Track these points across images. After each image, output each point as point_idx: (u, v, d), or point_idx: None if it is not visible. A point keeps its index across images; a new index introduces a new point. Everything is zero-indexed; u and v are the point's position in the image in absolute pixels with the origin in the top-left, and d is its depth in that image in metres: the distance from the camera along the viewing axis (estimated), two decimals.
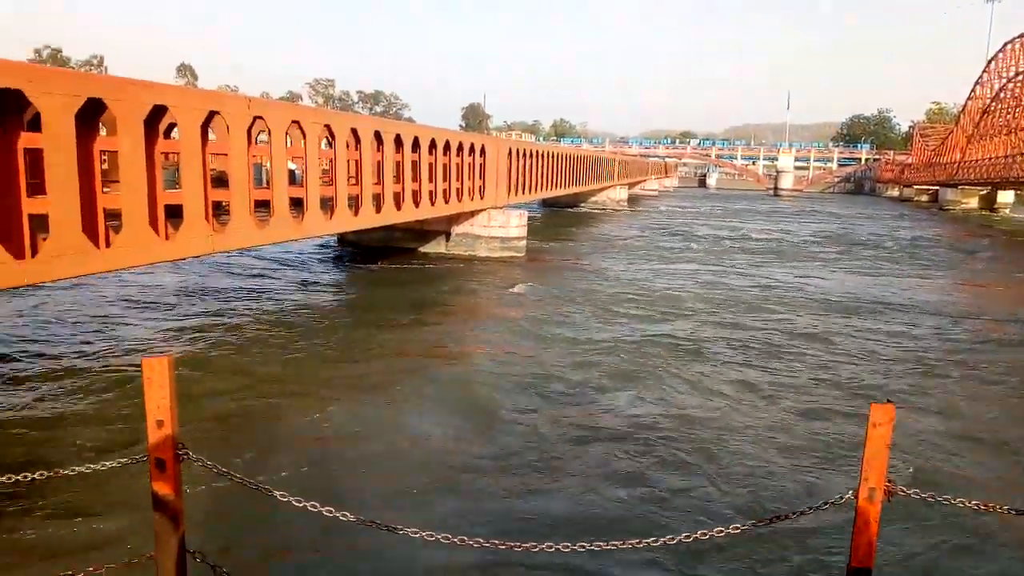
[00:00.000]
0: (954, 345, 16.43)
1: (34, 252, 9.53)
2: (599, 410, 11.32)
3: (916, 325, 18.57)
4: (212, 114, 12.49)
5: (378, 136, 19.36)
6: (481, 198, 28.08)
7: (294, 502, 4.80)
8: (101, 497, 7.71)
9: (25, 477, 4.87)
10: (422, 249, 28.76)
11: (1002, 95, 76.49)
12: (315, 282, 22.13)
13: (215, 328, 15.67)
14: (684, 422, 10.84)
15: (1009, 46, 78.00)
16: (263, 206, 14.94)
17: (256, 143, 16.01)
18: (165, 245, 11.77)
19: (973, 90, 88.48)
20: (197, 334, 15.12)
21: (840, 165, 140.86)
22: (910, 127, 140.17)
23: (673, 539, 4.70)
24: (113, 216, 11.16)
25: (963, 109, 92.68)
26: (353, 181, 18.70)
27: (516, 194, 32.39)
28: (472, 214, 28.36)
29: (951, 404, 12.16)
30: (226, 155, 13.49)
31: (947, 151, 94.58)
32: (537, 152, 37.01)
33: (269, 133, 14.41)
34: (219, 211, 14.23)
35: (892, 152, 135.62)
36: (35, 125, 9.67)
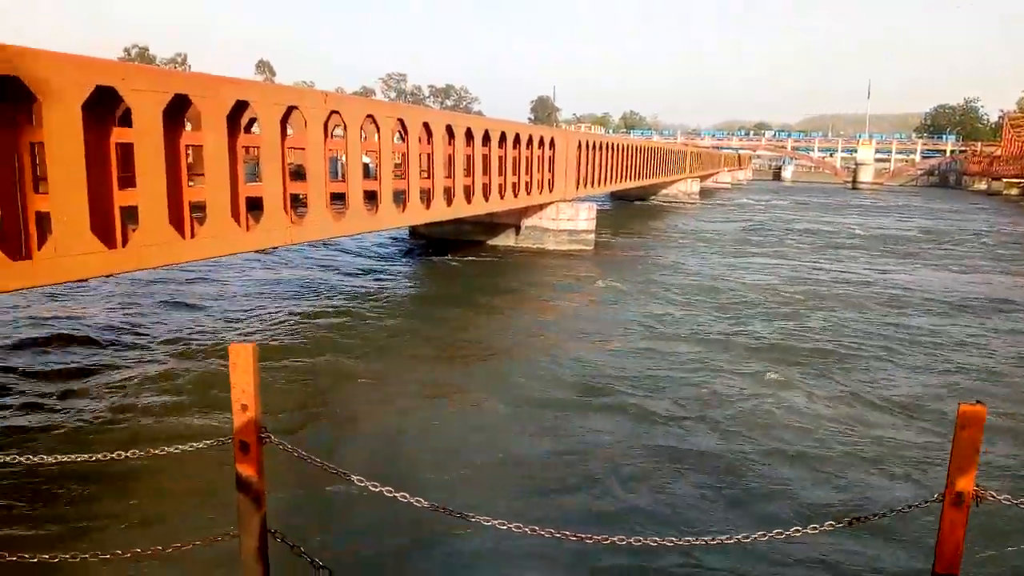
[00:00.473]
0: None
1: (124, 242, 9.98)
2: (681, 412, 11.10)
3: None
4: (291, 109, 12.83)
5: (449, 130, 19.55)
6: (550, 191, 28.05)
7: (371, 487, 4.91)
8: (189, 477, 8.06)
9: (119, 456, 5.12)
10: (491, 242, 28.93)
11: None
12: (388, 273, 22.54)
13: (293, 317, 16.14)
14: (784, 421, 10.63)
15: None
16: (338, 199, 15.31)
17: (332, 137, 16.37)
18: (246, 236, 12.16)
19: None
20: (276, 323, 15.61)
21: (923, 157, 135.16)
22: (1000, 117, 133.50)
23: (749, 537, 4.63)
24: (197, 208, 11.61)
25: None
26: (425, 174, 18.95)
27: (585, 187, 32.24)
28: (541, 207, 28.36)
29: None
30: (303, 149, 13.84)
31: None
32: (606, 144, 36.72)
33: (344, 127, 14.72)
34: (296, 203, 14.61)
35: (979, 144, 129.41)
36: (125, 121, 10.13)
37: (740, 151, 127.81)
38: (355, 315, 16.63)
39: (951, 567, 4.43)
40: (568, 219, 28.82)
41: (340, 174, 18.87)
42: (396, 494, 4.84)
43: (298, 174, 14.60)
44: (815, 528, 4.67)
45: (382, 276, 21.99)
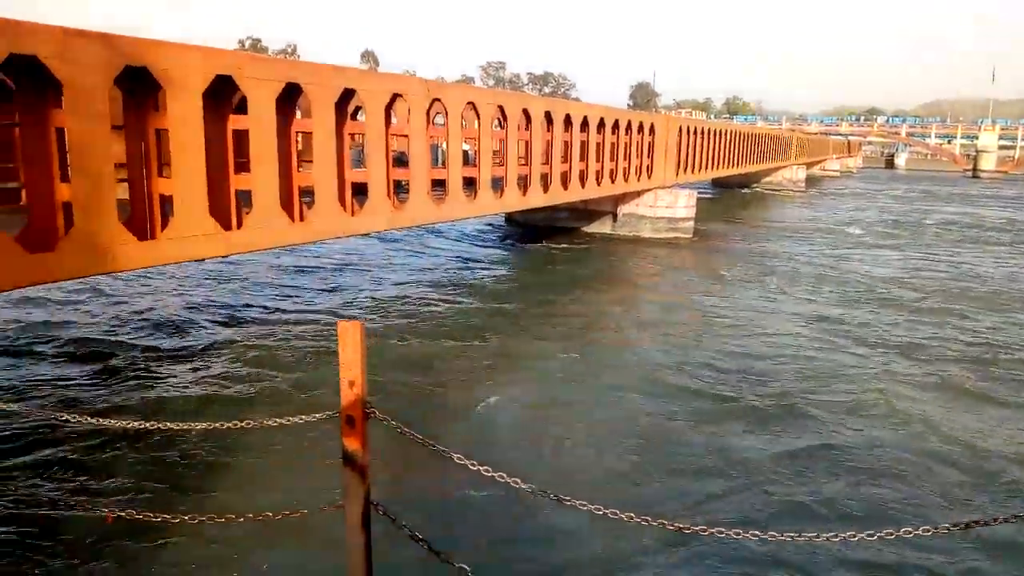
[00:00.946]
0: None
1: (239, 225, 10.49)
2: (791, 415, 10.72)
3: None
4: (395, 96, 13.13)
5: (548, 116, 19.54)
6: (648, 178, 27.63)
7: (469, 465, 4.99)
8: (299, 447, 8.46)
9: (235, 425, 5.41)
10: (586, 229, 28.77)
11: None
12: (484, 259, 22.81)
13: (395, 299, 16.61)
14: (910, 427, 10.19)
15: None
16: (438, 185, 15.60)
17: (433, 124, 16.67)
18: (351, 220, 12.56)
19: None
20: (380, 304, 16.11)
21: None
22: None
23: (873, 535, 4.46)
24: (306, 193, 12.07)
25: None
26: (522, 161, 19.03)
27: (684, 173, 31.58)
28: (638, 194, 27.99)
29: None
30: (406, 136, 14.16)
31: None
32: (707, 130, 35.82)
33: (446, 114, 14.95)
34: (398, 189, 14.98)
35: None
36: (240, 109, 10.63)
37: (850, 137, 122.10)
38: (454, 299, 16.94)
39: None
40: (666, 206, 28.32)
41: (440, 161, 19.20)
42: (495, 474, 4.91)
43: (400, 161, 14.96)
44: (928, 529, 4.47)
45: (479, 261, 22.27)
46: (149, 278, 17.40)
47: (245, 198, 10.77)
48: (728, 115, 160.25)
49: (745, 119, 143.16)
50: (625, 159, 25.32)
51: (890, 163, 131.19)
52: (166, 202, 9.53)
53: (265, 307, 15.51)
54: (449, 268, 20.91)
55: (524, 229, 28.68)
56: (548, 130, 19.74)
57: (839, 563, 6.68)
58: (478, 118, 16.14)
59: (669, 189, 28.78)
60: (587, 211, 28.24)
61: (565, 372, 11.96)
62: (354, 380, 5.03)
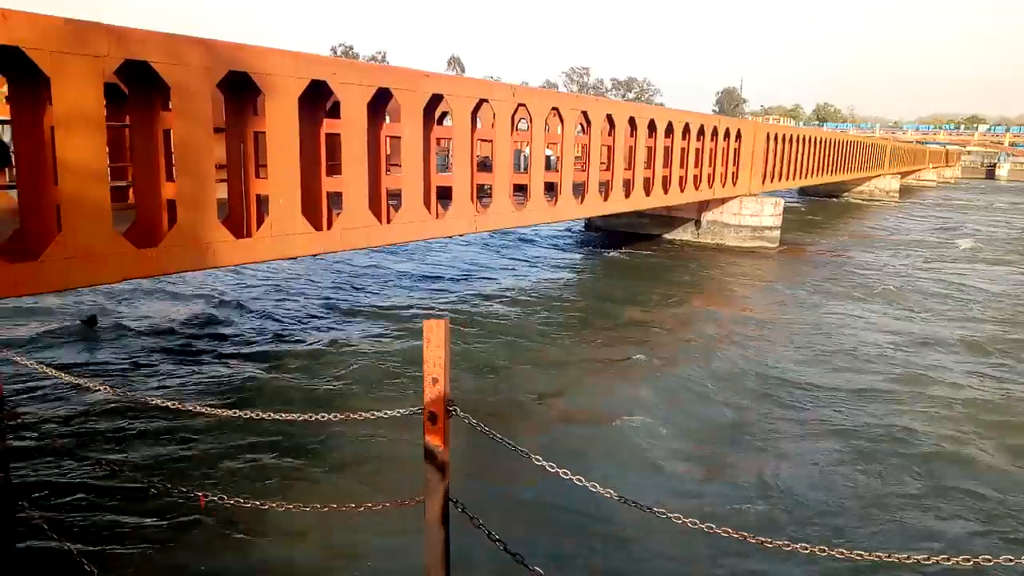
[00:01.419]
0: None
1: (330, 225, 10.84)
2: (890, 440, 10.34)
3: None
4: (481, 102, 13.31)
5: (632, 121, 19.41)
6: (733, 185, 27.09)
7: (547, 467, 5.01)
8: (382, 441, 8.68)
9: (323, 417, 5.60)
10: (668, 236, 28.42)
11: None
12: (564, 263, 22.83)
13: (477, 300, 16.82)
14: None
15: None
16: (519, 190, 15.73)
17: (516, 129, 16.81)
18: (436, 223, 12.80)
19: None
20: (463, 304, 16.34)
21: None
22: None
23: (936, 559, 4.29)
24: (392, 195, 12.38)
25: None
26: (604, 166, 18.96)
27: (771, 181, 30.81)
28: (722, 201, 27.48)
29: None
30: (490, 141, 14.34)
31: None
32: (796, 137, 34.85)
33: (530, 120, 15.05)
34: (481, 193, 15.17)
35: None
36: (332, 113, 10.99)
37: (948, 146, 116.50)
38: (534, 302, 17.02)
39: None
40: (752, 214, 27.70)
41: (522, 166, 19.33)
42: (573, 477, 4.92)
43: (484, 165, 15.15)
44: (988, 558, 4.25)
45: (558, 266, 22.30)
46: (234, 274, 18.15)
47: (335, 200, 11.12)
48: (818, 122, 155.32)
49: (836, 126, 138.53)
50: (710, 165, 24.90)
51: (991, 174, 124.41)
52: (262, 202, 9.93)
53: (351, 304, 15.96)
54: (528, 272, 21.01)
55: (604, 234, 28.54)
56: (631, 135, 19.62)
57: None
58: (561, 123, 16.19)
59: (755, 197, 28.13)
60: (669, 217, 27.89)
61: (647, 380, 11.86)
62: (437, 377, 5.14)
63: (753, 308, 17.72)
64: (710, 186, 25.14)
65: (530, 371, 12.02)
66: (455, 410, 5.16)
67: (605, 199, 18.79)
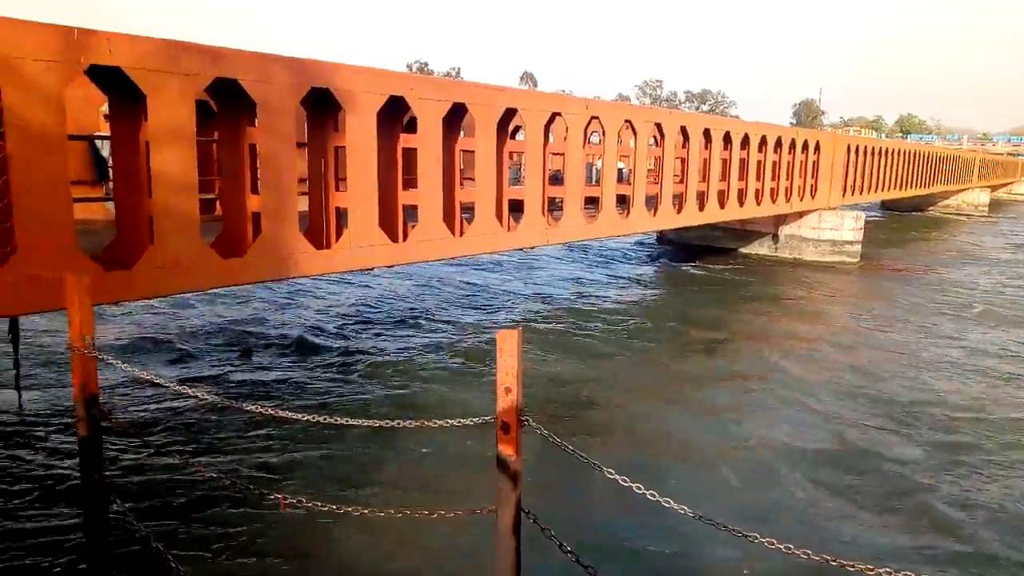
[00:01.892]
0: None
1: (405, 237, 11.06)
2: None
3: None
4: (554, 116, 13.39)
5: (707, 133, 19.18)
6: (812, 198, 26.41)
7: (621, 481, 4.97)
8: (455, 449, 8.79)
9: (399, 424, 5.70)
10: (743, 250, 27.87)
11: None
12: (635, 277, 22.65)
13: (547, 312, 16.85)
14: None
15: None
16: (590, 203, 15.72)
17: (588, 143, 16.82)
18: (507, 236, 12.91)
19: None
20: (534, 316, 16.41)
21: None
22: None
23: None
24: (465, 209, 12.55)
25: None
26: (678, 179, 18.78)
27: (851, 194, 29.91)
28: (800, 215, 26.81)
29: None
30: (562, 154, 14.40)
31: None
32: (877, 149, 33.75)
33: (603, 132, 15.05)
34: (552, 207, 15.23)
35: None
36: (409, 128, 11.23)
37: None
38: (607, 314, 16.95)
39: None
40: (831, 228, 26.93)
41: (594, 178, 19.31)
42: (645, 492, 4.87)
43: (555, 178, 15.20)
44: None
45: (631, 278, 22.15)
46: (300, 286, 18.66)
47: (410, 212, 11.35)
48: (902, 134, 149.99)
49: (920, 138, 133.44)
50: (787, 178, 24.36)
51: None
52: (340, 214, 10.22)
53: (425, 314, 16.20)
54: (601, 284, 20.93)
55: (676, 248, 28.20)
56: (706, 148, 19.38)
57: None
58: (634, 136, 16.13)
59: (835, 210, 27.35)
60: (744, 231, 27.36)
61: (724, 399, 11.63)
62: (510, 387, 5.17)
63: (839, 325, 17.19)
64: (787, 199, 24.57)
65: (603, 385, 11.95)
66: (528, 420, 5.18)
67: (679, 212, 18.58)
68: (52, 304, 6.85)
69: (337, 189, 10.36)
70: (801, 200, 25.60)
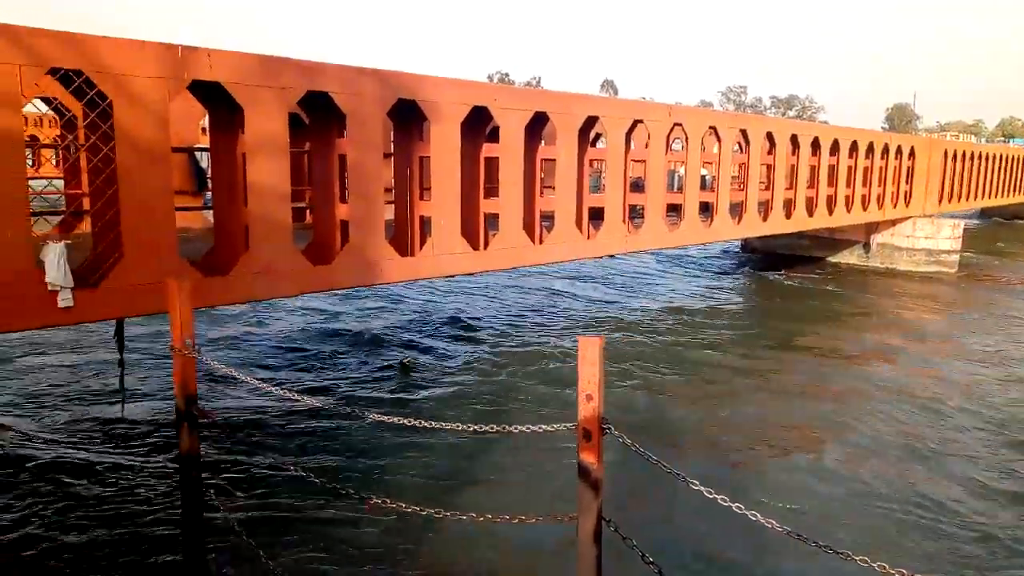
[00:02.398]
0: None
1: (486, 245, 11.19)
2: None
3: None
4: (635, 123, 13.31)
5: (794, 139, 18.68)
6: (906, 205, 25.35)
7: (705, 492, 4.89)
8: (536, 456, 8.84)
9: (480, 428, 5.76)
10: (831, 259, 26.97)
11: None
12: (718, 286, 22.23)
13: (627, 321, 16.73)
14: None
15: None
16: (672, 210, 15.53)
17: (670, 150, 16.63)
18: (587, 244, 12.89)
19: None
20: (611, 325, 16.32)
21: None
22: None
23: None
24: (545, 217, 12.60)
25: None
26: (764, 186, 18.35)
27: (949, 201, 28.56)
28: (893, 223, 25.77)
29: None
30: (643, 161, 14.29)
31: None
32: (976, 154, 32.13)
33: (685, 139, 14.86)
34: (632, 214, 15.12)
35: None
36: (491, 137, 11.37)
37: None
38: (691, 323, 16.72)
39: None
40: (926, 237, 25.78)
41: (676, 185, 19.08)
42: (732, 504, 4.77)
43: (636, 185, 15.10)
44: None
45: (714, 287, 21.76)
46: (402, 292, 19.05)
47: (490, 221, 11.48)
48: (1003, 138, 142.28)
49: None
50: (879, 185, 23.47)
51: None
52: (424, 223, 10.42)
53: (509, 321, 16.33)
54: (683, 293, 20.64)
55: (761, 256, 27.53)
56: (793, 153, 18.87)
57: None
58: (718, 142, 15.87)
59: (930, 218, 26.18)
60: (833, 240, 26.49)
61: (821, 411, 11.27)
62: (592, 394, 5.16)
63: (939, 339, 16.39)
64: (879, 206, 23.65)
65: (686, 395, 11.79)
66: (609, 428, 5.16)
67: (764, 219, 18.14)
68: (155, 308, 7.23)
69: (421, 198, 10.57)
70: (894, 207, 24.61)
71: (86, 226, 10.09)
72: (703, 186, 17.48)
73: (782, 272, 24.62)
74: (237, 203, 8.43)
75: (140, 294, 7.21)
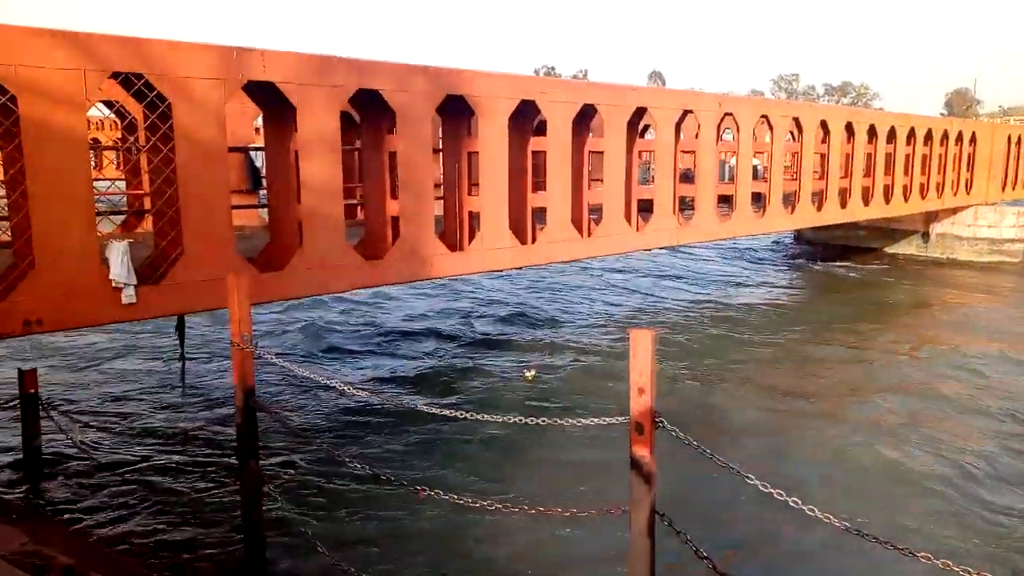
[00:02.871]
0: None
1: (533, 239, 11.20)
2: None
3: None
4: (685, 113, 13.15)
5: (848, 127, 18.23)
6: (967, 193, 24.53)
7: (760, 487, 4.83)
8: (587, 448, 8.84)
9: (531, 421, 5.79)
10: (888, 249, 26.27)
11: None
12: (773, 277, 21.88)
13: (682, 313, 16.60)
14: None
15: None
16: (723, 201, 15.32)
17: (720, 139, 16.39)
18: (636, 236, 12.80)
19: None
20: (667, 317, 16.21)
21: None
22: None
23: None
24: (594, 210, 12.55)
25: None
26: (818, 175, 17.96)
27: (1013, 188, 27.53)
28: (953, 211, 24.97)
29: None
30: (693, 152, 14.11)
31: None
32: None
33: (736, 129, 14.64)
34: (682, 206, 14.96)
35: None
36: (538, 130, 11.36)
37: None
38: (743, 316, 16.51)
39: None
40: (989, 226, 24.91)
41: (727, 176, 18.80)
42: (788, 499, 4.71)
43: (686, 176, 14.92)
44: None
45: (767, 279, 21.41)
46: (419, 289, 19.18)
47: (538, 215, 11.47)
48: None
49: None
50: (939, 173, 22.75)
51: None
52: (473, 217, 10.48)
53: (556, 314, 16.33)
54: (733, 285, 20.35)
55: (815, 247, 26.98)
56: (848, 141, 18.42)
57: None
58: (771, 131, 15.58)
59: (993, 206, 25.29)
60: (890, 229, 25.79)
61: (872, 413, 10.99)
62: (644, 388, 5.14)
63: (1008, 335, 15.79)
64: (939, 195, 22.94)
65: (741, 388, 11.64)
66: (662, 422, 5.13)
67: (819, 209, 17.75)
68: (214, 303, 7.44)
69: (469, 193, 10.62)
70: (955, 195, 23.84)
71: (147, 225, 10.42)
72: (755, 176, 17.21)
73: (837, 263, 24.09)
74: (291, 200, 8.59)
75: (200, 290, 7.41)
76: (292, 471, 8.59)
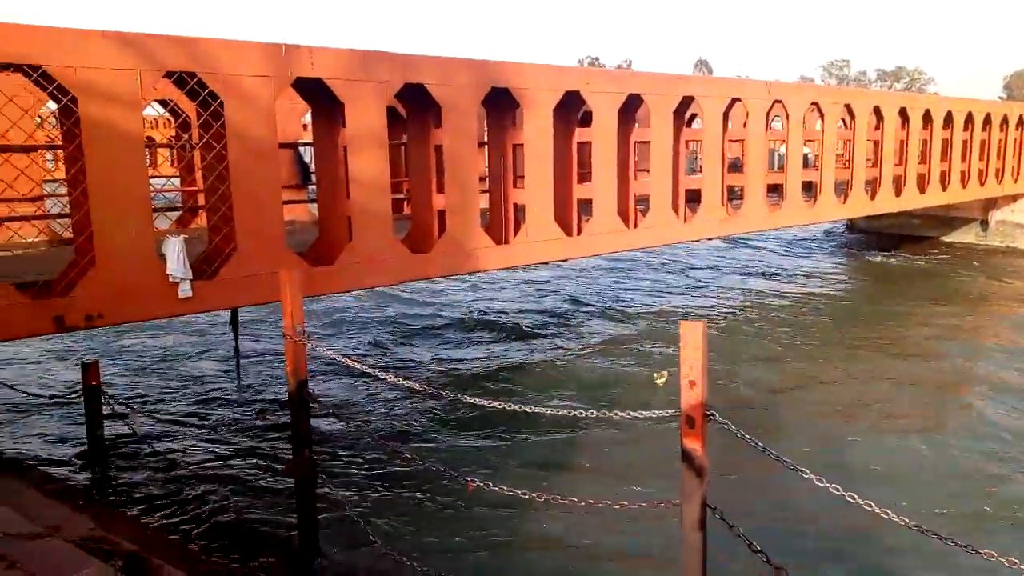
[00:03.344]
0: None
1: (579, 231, 11.15)
2: None
3: None
4: (733, 101, 12.94)
5: (903, 113, 17.73)
6: None
7: (815, 480, 4.75)
8: (639, 441, 8.80)
9: (581, 413, 5.78)
10: (945, 238, 25.50)
11: None
12: (825, 268, 21.47)
13: (731, 305, 16.40)
14: None
15: None
16: (772, 190, 15.05)
17: (769, 128, 16.09)
18: (683, 227, 12.67)
19: None
20: (717, 308, 16.03)
21: None
22: None
23: None
24: (640, 200, 12.44)
25: None
26: (871, 163, 17.52)
27: None
28: (1014, 198, 24.12)
29: None
30: (741, 141, 13.88)
31: None
32: None
33: (786, 117, 14.36)
34: (731, 195, 14.74)
35: None
36: (583, 122, 11.30)
37: None
38: (796, 307, 16.26)
39: None
40: None
41: (776, 165, 18.46)
42: (844, 494, 4.62)
43: (734, 166, 14.69)
44: None
45: (819, 269, 21.01)
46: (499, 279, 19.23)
47: (583, 206, 11.42)
48: None
49: None
50: (998, 158, 21.99)
51: None
52: (518, 210, 10.48)
53: (606, 306, 16.29)
54: (785, 276, 20.01)
55: (868, 236, 26.36)
56: (903, 128, 17.92)
57: None
58: (821, 118, 15.24)
59: None
60: (947, 218, 25.03)
61: (924, 410, 10.71)
62: (695, 380, 5.09)
63: None
64: (999, 181, 22.17)
65: (795, 381, 11.47)
66: (713, 414, 5.07)
67: (872, 198, 17.32)
68: (267, 297, 7.57)
69: (515, 185, 10.62)
70: (1015, 182, 23.01)
71: (201, 220, 10.66)
72: (806, 165, 16.87)
73: (891, 252, 23.50)
74: (340, 195, 8.70)
75: (253, 284, 7.56)
76: (344, 462, 8.72)
